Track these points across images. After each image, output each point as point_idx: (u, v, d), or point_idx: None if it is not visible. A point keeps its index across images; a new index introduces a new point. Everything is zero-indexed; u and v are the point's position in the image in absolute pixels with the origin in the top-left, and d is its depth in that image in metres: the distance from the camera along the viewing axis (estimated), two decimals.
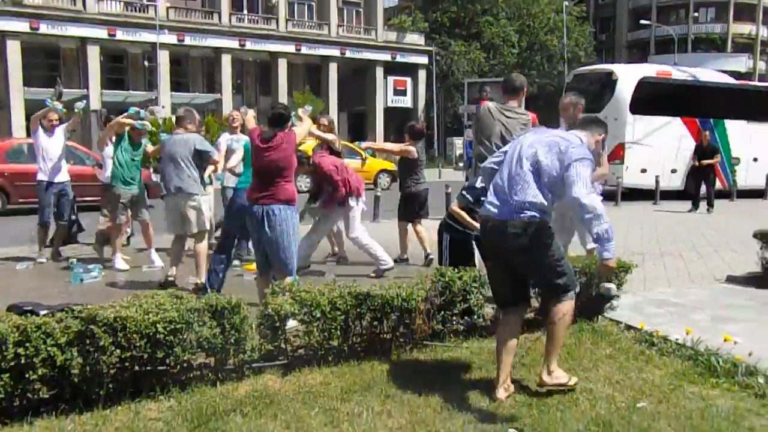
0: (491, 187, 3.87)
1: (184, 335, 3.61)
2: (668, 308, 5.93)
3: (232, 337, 3.78)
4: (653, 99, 17.68)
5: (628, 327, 5.25)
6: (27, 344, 3.19)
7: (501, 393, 3.78)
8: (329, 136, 7.55)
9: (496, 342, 3.95)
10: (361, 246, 7.47)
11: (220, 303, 3.74)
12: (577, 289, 4.03)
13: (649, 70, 19.28)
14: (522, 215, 3.64)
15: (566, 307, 3.86)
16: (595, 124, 4.06)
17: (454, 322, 4.78)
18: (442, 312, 4.66)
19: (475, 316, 4.83)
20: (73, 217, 8.96)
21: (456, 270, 4.81)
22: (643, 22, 52.59)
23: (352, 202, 7.40)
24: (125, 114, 7.77)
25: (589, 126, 4.04)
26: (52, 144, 8.20)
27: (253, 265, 7.60)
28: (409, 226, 8.27)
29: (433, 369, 4.25)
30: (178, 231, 6.78)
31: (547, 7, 50.36)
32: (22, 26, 33.06)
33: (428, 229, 7.95)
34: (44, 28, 33.66)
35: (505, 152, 3.98)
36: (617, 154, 17.11)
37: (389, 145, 8.78)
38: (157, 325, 3.48)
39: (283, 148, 5.09)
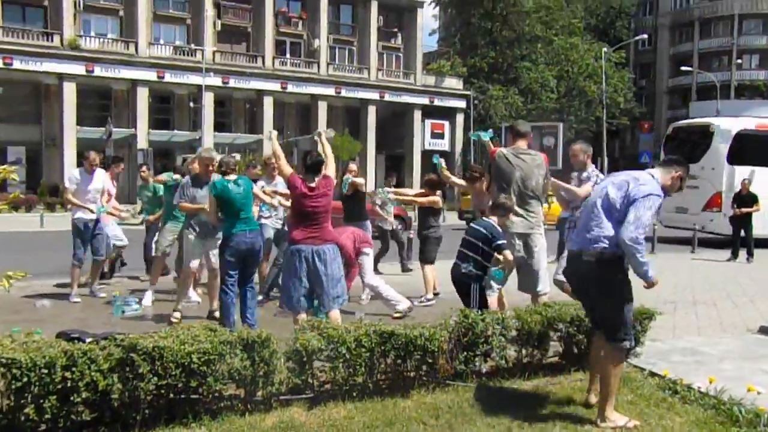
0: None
1: (216, 366, 3.83)
2: (695, 357, 5.93)
3: (261, 370, 3.98)
4: (750, 150, 17.95)
5: (652, 374, 5.28)
6: (73, 369, 3.44)
7: (592, 398, 4.44)
8: (359, 180, 7.99)
9: (590, 357, 4.57)
10: (375, 291, 7.70)
11: (251, 336, 3.96)
12: (630, 344, 4.23)
13: (748, 123, 19.53)
14: (595, 246, 4.04)
15: (615, 356, 4.16)
16: (676, 163, 4.32)
17: (477, 363, 4.90)
18: (465, 352, 4.79)
19: (497, 358, 4.95)
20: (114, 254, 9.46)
21: (479, 312, 4.96)
22: (684, 68, 52.39)
23: (365, 250, 7.75)
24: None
25: (668, 164, 4.34)
26: (91, 184, 8.27)
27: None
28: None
29: (454, 408, 4.37)
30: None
31: (586, 53, 50.65)
32: (78, 69, 34.58)
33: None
34: (98, 70, 35.15)
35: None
36: (715, 203, 17.89)
37: (418, 198, 8.97)
38: (192, 356, 3.71)
39: (325, 193, 5.55)
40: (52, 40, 35.02)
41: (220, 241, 6.64)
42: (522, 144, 6.09)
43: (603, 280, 4.07)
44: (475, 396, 4.58)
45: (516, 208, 5.86)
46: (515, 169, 5.91)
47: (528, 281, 6.17)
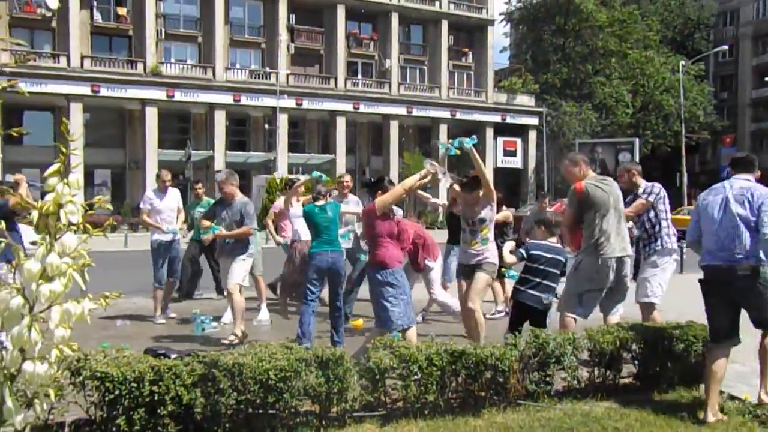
0: (707, 243, 4.86)
1: (292, 382, 3.98)
2: None
3: (335, 387, 4.11)
4: None
5: (732, 397, 5.15)
6: (160, 383, 3.66)
7: (710, 416, 4.63)
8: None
9: (706, 371, 4.79)
10: (443, 306, 7.78)
11: (326, 354, 4.10)
12: None
13: None
14: (748, 260, 4.61)
15: None
16: (755, 163, 5.03)
17: (548, 383, 4.89)
18: (537, 372, 4.80)
19: (569, 378, 4.93)
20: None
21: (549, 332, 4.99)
22: None
23: (429, 263, 7.76)
24: (303, 178, 8.82)
25: (751, 165, 4.98)
26: (164, 204, 8.40)
27: (360, 321, 8.09)
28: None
29: (525, 428, 4.38)
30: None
31: (662, 66, 49.37)
32: (159, 94, 36.14)
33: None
34: (178, 95, 36.62)
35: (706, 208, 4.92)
36: None
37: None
38: (270, 372, 3.87)
39: (364, 217, 6.13)
40: (135, 68, 36.73)
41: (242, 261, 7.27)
42: (592, 173, 6.14)
43: (758, 287, 4.63)
44: (547, 416, 4.57)
45: (613, 232, 5.79)
46: (609, 196, 5.87)
47: (613, 302, 6.06)
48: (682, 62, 45.90)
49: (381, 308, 5.65)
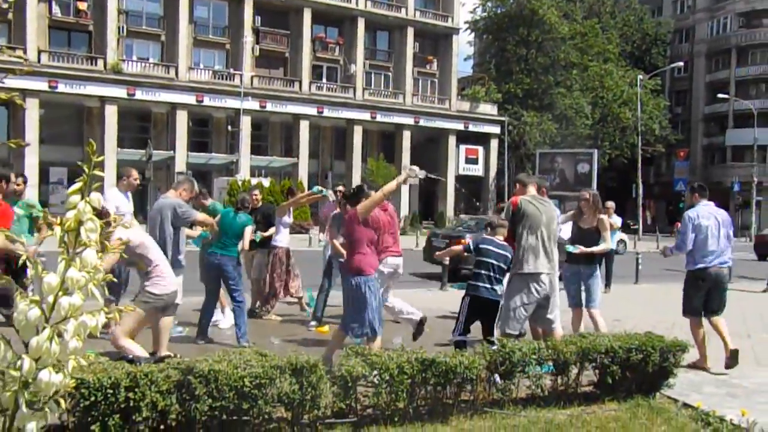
0: (709, 250, 6.90)
1: (267, 389, 4.04)
2: (728, 389, 6.00)
3: (308, 394, 4.18)
4: None
5: (685, 405, 5.37)
6: (136, 389, 3.68)
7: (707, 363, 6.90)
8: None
9: (695, 335, 6.99)
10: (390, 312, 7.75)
11: (300, 362, 4.16)
12: None
13: None
14: (729, 260, 7.06)
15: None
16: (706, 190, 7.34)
17: (513, 391, 5.04)
18: (503, 381, 4.94)
19: (533, 387, 5.09)
20: None
21: (516, 341, 5.15)
22: (721, 95, 51.93)
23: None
24: (309, 191, 9.08)
25: (705, 192, 7.29)
26: (130, 207, 7.71)
27: (325, 328, 8.14)
28: None
29: None
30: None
31: (621, 80, 50.54)
32: (120, 92, 35.59)
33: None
34: (139, 94, 36.13)
35: (699, 225, 6.93)
36: None
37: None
38: (245, 379, 3.93)
39: (350, 224, 6.01)
40: (95, 64, 36.11)
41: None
42: (535, 192, 6.56)
43: (727, 283, 7.17)
44: (512, 423, 4.72)
45: (541, 249, 6.25)
46: (542, 214, 6.32)
47: (545, 316, 6.47)
48: (640, 76, 47.10)
49: (354, 313, 5.76)
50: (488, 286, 6.09)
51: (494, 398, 4.93)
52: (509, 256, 6.21)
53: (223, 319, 8.33)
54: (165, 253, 6.36)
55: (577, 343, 5.27)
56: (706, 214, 7.00)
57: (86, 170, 1.45)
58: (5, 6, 33.41)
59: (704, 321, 7.06)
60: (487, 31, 52.50)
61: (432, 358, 4.62)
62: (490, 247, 6.18)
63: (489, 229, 6.41)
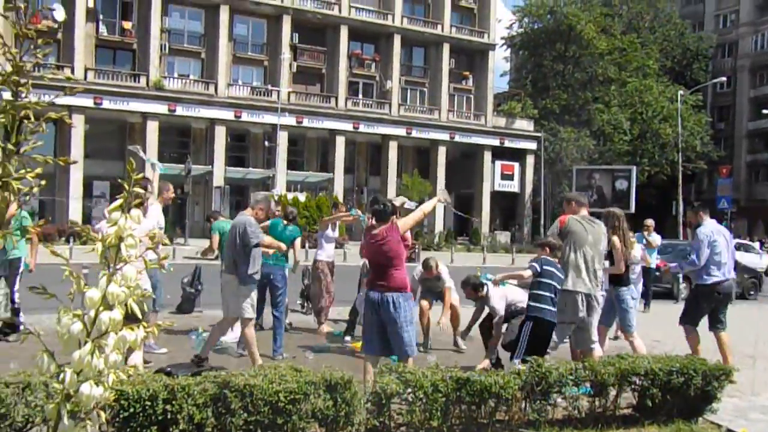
0: (723, 264, 7.41)
1: (301, 405, 4.04)
2: None
3: (342, 410, 4.17)
4: None
5: (729, 431, 5.23)
6: (173, 402, 3.72)
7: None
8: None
9: (690, 342, 7.47)
10: None
11: (335, 378, 4.16)
12: None
13: None
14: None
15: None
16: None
17: (550, 412, 4.96)
18: (539, 401, 4.87)
19: (570, 408, 5.00)
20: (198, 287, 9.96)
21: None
22: (766, 111, 50.82)
23: None
24: (346, 212, 9.43)
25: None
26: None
27: (359, 344, 8.15)
28: None
29: None
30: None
31: (661, 95, 49.84)
32: (161, 108, 36.30)
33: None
34: (180, 110, 36.79)
35: (715, 242, 7.41)
36: None
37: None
38: (280, 394, 3.94)
39: (388, 241, 5.62)
40: (138, 81, 36.94)
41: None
42: (585, 212, 6.58)
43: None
44: None
45: (583, 269, 6.23)
46: (588, 234, 6.33)
47: (585, 338, 6.44)
48: (681, 92, 46.34)
49: (404, 332, 5.52)
50: (552, 308, 6.04)
51: (530, 419, 4.85)
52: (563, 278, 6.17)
53: (230, 332, 8.41)
54: (238, 267, 6.59)
55: (616, 364, 5.18)
56: (717, 230, 7.61)
57: (126, 187, 1.48)
58: (55, 26, 34.38)
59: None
60: (523, 47, 52.36)
61: (467, 377, 4.58)
62: (554, 270, 6.11)
63: (548, 249, 6.27)
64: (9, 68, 1.54)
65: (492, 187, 45.99)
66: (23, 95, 1.57)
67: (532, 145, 47.00)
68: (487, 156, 45.85)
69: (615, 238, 6.94)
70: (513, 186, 47.12)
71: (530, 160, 47.40)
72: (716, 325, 7.50)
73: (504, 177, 46.76)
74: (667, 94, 49.95)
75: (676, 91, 47.90)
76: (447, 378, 4.53)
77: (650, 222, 12.95)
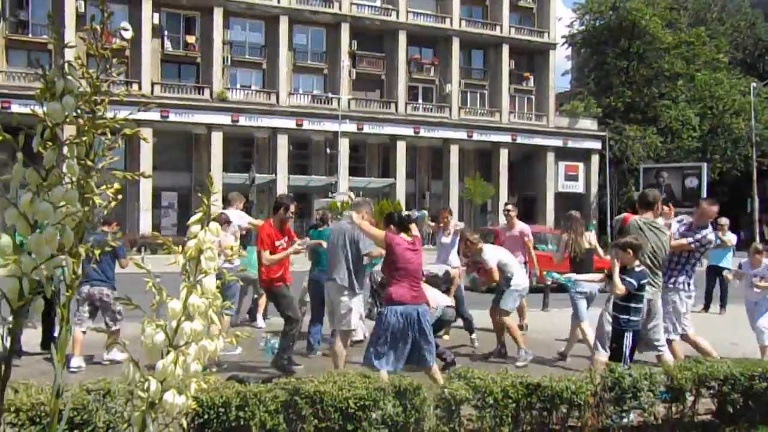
0: None
1: (371, 411, 4.05)
2: None
3: (412, 417, 4.16)
4: None
5: None
6: (246, 408, 3.78)
7: None
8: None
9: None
10: None
11: (404, 384, 4.16)
12: None
13: None
14: None
15: None
16: None
17: (624, 419, 4.83)
18: (612, 407, 4.75)
19: (646, 414, 4.85)
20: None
21: (626, 366, 4.94)
22: None
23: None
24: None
25: None
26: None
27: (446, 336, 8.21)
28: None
29: None
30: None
31: (732, 89, 48.06)
32: (224, 119, 37.19)
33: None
34: (243, 120, 37.60)
35: None
36: None
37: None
38: (349, 401, 3.96)
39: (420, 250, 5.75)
40: (202, 94, 37.95)
41: None
42: (650, 215, 6.37)
43: None
44: None
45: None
46: (648, 241, 6.15)
47: (650, 340, 6.27)
48: (753, 84, 44.58)
49: (430, 344, 5.65)
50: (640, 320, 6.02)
51: (604, 425, 4.73)
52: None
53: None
54: (352, 275, 6.52)
55: (693, 369, 5.00)
56: None
57: (205, 201, 1.51)
58: (124, 42, 35.65)
59: None
60: (585, 45, 51.42)
61: (537, 382, 4.51)
62: (647, 280, 6.01)
63: (632, 252, 5.92)
64: (87, 88, 1.59)
65: (556, 188, 45.26)
66: (100, 113, 1.62)
67: (596, 145, 46.05)
68: (550, 157, 45.15)
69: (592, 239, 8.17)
70: (578, 187, 46.24)
71: (595, 159, 46.45)
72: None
73: (568, 178, 45.95)
74: (739, 87, 48.14)
75: (748, 83, 46.10)
76: (517, 383, 4.47)
77: (725, 221, 12.49)
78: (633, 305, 5.88)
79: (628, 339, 5.88)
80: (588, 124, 46.79)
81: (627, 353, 5.88)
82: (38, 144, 1.46)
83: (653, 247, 6.16)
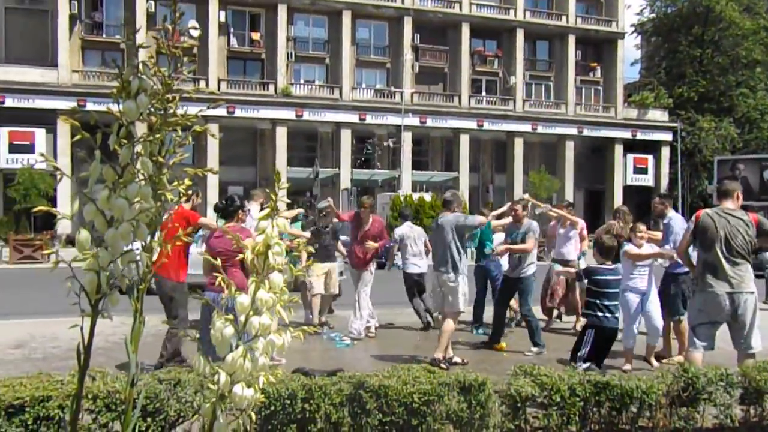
0: None
1: (435, 406, 4.04)
2: None
3: (477, 413, 4.13)
4: None
5: None
6: (311, 401, 3.83)
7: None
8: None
9: None
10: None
11: (468, 379, 4.13)
12: None
13: None
14: None
15: None
16: None
17: (698, 420, 4.67)
18: (685, 408, 4.60)
19: (722, 417, 4.68)
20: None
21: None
22: None
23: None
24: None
25: None
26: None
27: (504, 344, 8.15)
28: None
29: None
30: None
31: None
32: (289, 114, 37.71)
33: None
34: (307, 115, 38.05)
35: None
36: None
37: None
38: (414, 395, 3.95)
39: None
40: (267, 89, 38.56)
41: None
42: (729, 204, 6.01)
43: None
44: None
45: (719, 267, 5.79)
46: (719, 230, 5.83)
47: (738, 339, 5.94)
48: None
49: None
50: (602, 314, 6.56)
51: (676, 427, 4.59)
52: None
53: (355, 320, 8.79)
54: (446, 261, 7.29)
55: None
56: None
57: (273, 197, 1.53)
58: (192, 41, 36.55)
59: None
60: (655, 33, 49.87)
61: (606, 381, 4.41)
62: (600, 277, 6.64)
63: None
64: (160, 86, 1.62)
65: (624, 181, 44.10)
66: (172, 111, 1.66)
67: (667, 137, 44.64)
68: (619, 149, 44.02)
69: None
70: (647, 180, 44.90)
71: (665, 152, 45.02)
72: None
73: (637, 171, 44.66)
74: None
75: None
76: (585, 381, 4.38)
77: None
78: (599, 302, 6.17)
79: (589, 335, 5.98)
80: (658, 115, 45.38)
81: (585, 351, 6.16)
82: (114, 142, 1.51)
83: (726, 234, 5.80)
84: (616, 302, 6.22)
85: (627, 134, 44.04)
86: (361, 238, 8.86)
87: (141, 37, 32.55)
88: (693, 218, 6.10)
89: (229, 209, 5.91)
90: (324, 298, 9.57)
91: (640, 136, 44.28)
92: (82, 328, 1.49)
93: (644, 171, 44.83)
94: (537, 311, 9.16)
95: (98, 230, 1.49)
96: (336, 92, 39.50)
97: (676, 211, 8.92)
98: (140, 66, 1.53)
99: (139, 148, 1.53)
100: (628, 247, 7.25)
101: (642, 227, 7.46)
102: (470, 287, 7.75)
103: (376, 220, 9.17)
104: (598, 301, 6.16)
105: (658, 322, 7.43)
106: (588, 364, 5.92)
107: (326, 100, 38.96)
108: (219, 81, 37.45)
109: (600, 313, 6.16)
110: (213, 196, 36.39)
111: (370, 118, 39.14)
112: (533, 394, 4.29)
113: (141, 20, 34.42)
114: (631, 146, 44.47)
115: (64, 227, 28.65)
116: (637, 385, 4.39)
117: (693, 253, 6.12)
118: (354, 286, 8.93)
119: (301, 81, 40.11)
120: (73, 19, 34.96)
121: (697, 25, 45.95)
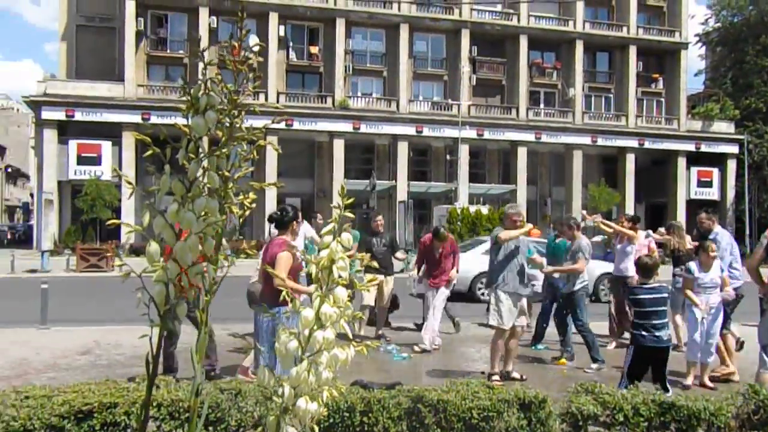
0: None
1: (494, 423, 3.98)
2: None
3: (537, 430, 4.05)
4: None
5: None
6: (369, 414, 3.82)
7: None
8: None
9: None
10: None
11: (528, 396, 4.06)
12: None
13: None
14: None
15: None
16: None
17: None
18: (756, 431, 4.41)
19: None
20: None
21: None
22: None
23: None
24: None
25: None
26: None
27: (564, 360, 8.00)
28: None
29: None
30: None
31: None
32: (346, 127, 38.05)
33: None
34: (364, 127, 38.31)
35: None
36: None
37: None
38: (473, 411, 3.91)
39: None
40: (325, 102, 39.01)
41: None
42: None
43: None
44: None
45: None
46: None
47: None
48: None
49: None
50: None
51: None
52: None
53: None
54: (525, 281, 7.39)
55: None
56: None
57: (337, 213, 1.53)
58: (252, 55, 37.24)
59: None
60: (721, 43, 48.46)
61: (672, 401, 4.26)
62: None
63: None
64: (226, 101, 1.66)
65: (687, 195, 42.85)
66: (238, 125, 1.69)
67: (733, 149, 43.23)
68: (682, 162, 42.83)
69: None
70: (712, 194, 43.50)
71: (731, 165, 43.58)
72: None
73: (701, 184, 43.33)
74: None
75: None
76: (649, 401, 4.25)
77: None
78: (638, 320, 6.11)
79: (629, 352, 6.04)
80: (723, 127, 43.99)
81: (625, 369, 6.04)
82: (183, 157, 1.54)
83: None
84: (656, 321, 5.98)
85: (690, 146, 42.83)
86: (440, 257, 9.00)
87: (205, 53, 33.41)
88: (766, 233, 5.91)
89: (284, 220, 5.98)
90: (380, 311, 9.57)
91: (704, 148, 42.98)
92: (150, 338, 1.52)
93: (709, 184, 43.47)
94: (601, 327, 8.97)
95: (167, 242, 1.53)
96: (393, 105, 39.69)
97: (743, 225, 8.72)
98: (208, 83, 1.56)
99: (205, 162, 1.56)
100: (699, 275, 7.11)
101: (713, 246, 7.23)
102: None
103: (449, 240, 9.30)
104: (637, 320, 6.04)
105: (716, 339, 7.22)
106: (626, 382, 5.82)
107: (383, 113, 39.17)
108: (278, 94, 38.08)
109: (635, 331, 6.03)
110: (271, 207, 36.94)
111: (427, 131, 39.17)
112: (595, 412, 4.18)
113: (204, 36, 35.39)
114: (695, 159, 43.23)
115: (128, 236, 29.55)
116: (705, 407, 4.24)
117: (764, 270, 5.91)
118: (424, 300, 9.13)
119: (359, 94, 40.45)
120: (139, 35, 36.18)
121: (765, 35, 44.45)
